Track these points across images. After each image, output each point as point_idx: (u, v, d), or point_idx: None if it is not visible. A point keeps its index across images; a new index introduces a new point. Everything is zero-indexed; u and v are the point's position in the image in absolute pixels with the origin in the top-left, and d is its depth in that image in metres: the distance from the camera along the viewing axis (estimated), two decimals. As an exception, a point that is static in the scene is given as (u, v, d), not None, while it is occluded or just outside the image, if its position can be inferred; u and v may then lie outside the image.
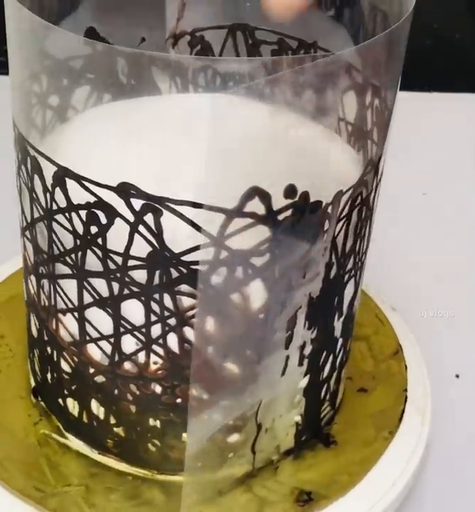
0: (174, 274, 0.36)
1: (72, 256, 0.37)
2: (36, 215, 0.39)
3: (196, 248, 0.35)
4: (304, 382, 0.41)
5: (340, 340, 0.42)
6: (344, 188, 0.37)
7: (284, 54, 0.48)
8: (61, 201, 0.37)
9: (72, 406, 0.42)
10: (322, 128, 0.39)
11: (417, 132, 0.54)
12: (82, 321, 0.39)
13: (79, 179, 0.35)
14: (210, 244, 0.35)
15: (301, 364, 0.40)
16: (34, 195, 0.38)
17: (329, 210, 0.36)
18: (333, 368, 0.43)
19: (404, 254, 0.59)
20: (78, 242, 0.37)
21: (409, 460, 0.44)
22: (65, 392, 0.42)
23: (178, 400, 0.40)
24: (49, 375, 0.43)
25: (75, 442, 0.43)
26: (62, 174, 0.36)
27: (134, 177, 0.35)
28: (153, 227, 0.35)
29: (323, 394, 0.43)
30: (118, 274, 0.37)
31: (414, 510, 0.44)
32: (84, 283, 0.38)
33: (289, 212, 0.35)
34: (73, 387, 0.42)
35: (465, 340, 0.53)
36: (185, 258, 0.36)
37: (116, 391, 0.40)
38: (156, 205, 0.34)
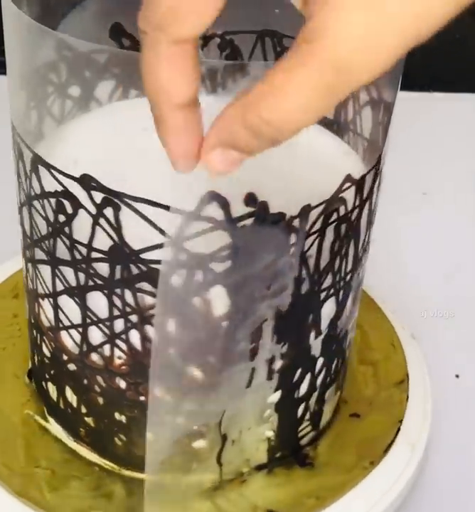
0: (135, 270, 0.36)
1: (46, 242, 0.38)
2: (22, 200, 0.40)
3: (155, 247, 0.35)
4: (275, 397, 0.40)
5: (321, 360, 0.41)
6: (313, 203, 0.36)
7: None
8: (37, 188, 0.37)
9: (52, 390, 0.43)
10: (310, 140, 0.38)
11: (417, 132, 0.53)
12: (55, 307, 0.40)
13: (48, 167, 0.36)
14: (169, 244, 0.35)
15: (270, 378, 0.39)
16: (19, 181, 0.39)
17: (296, 223, 0.35)
18: (313, 387, 0.42)
19: (404, 254, 0.58)
20: (50, 229, 0.37)
21: (385, 495, 0.42)
22: (46, 375, 0.43)
23: (142, 398, 0.40)
24: (36, 358, 0.44)
25: (54, 427, 0.44)
26: (35, 160, 0.36)
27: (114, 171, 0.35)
28: (113, 222, 0.35)
29: (300, 413, 0.42)
30: (83, 265, 0.37)
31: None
32: (56, 270, 0.38)
33: (249, 221, 0.34)
34: (52, 372, 0.42)
35: (465, 340, 0.53)
36: (145, 256, 0.35)
37: (85, 381, 0.40)
38: (115, 200, 0.34)
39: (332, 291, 0.39)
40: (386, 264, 0.50)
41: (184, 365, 0.38)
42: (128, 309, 0.37)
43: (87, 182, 0.35)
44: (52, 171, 0.36)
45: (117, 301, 0.37)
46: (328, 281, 0.39)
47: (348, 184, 0.37)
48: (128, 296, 0.37)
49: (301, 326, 0.39)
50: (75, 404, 0.42)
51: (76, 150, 0.41)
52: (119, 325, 0.38)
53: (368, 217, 0.40)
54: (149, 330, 0.37)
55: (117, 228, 0.35)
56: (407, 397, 0.47)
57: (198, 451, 0.41)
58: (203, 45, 0.49)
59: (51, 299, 0.40)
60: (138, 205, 0.34)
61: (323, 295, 0.39)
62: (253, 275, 0.36)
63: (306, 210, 0.35)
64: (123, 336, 0.38)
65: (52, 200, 0.37)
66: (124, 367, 0.39)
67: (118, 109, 0.47)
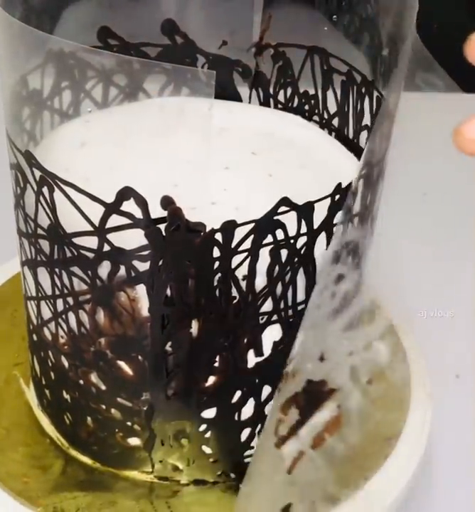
0: (68, 253, 0.37)
1: (15, 213, 0.40)
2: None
3: (84, 233, 0.36)
4: (209, 413, 0.39)
5: (267, 388, 0.39)
6: (239, 220, 0.34)
7: (350, 87, 0.45)
8: (12, 159, 0.39)
9: (31, 356, 0.45)
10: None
11: (417, 132, 0.50)
12: (23, 276, 0.41)
13: (10, 141, 0.38)
14: (93, 233, 0.35)
15: (201, 391, 0.39)
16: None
17: (218, 237, 0.34)
18: (259, 414, 0.40)
19: (404, 253, 0.54)
20: (14, 200, 0.39)
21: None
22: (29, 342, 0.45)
23: (81, 381, 0.40)
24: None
25: (31, 392, 0.46)
26: (7, 134, 0.38)
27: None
28: (49, 201, 0.36)
29: (245, 437, 0.41)
30: (33, 239, 0.38)
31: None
32: (20, 241, 0.40)
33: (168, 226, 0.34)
34: (28, 339, 0.44)
35: (465, 340, 0.52)
36: (77, 241, 0.36)
37: (42, 353, 0.42)
38: (49, 180, 0.35)
39: (275, 317, 0.37)
40: (386, 264, 0.48)
41: (115, 357, 0.38)
42: (65, 291, 0.38)
43: (28, 158, 0.36)
44: (11, 144, 0.37)
45: (57, 281, 0.38)
46: (267, 306, 0.37)
47: (284, 208, 0.35)
48: (65, 277, 0.38)
49: (233, 344, 0.38)
50: (38, 373, 0.43)
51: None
52: (60, 305, 0.39)
53: (335, 251, 0.38)
54: (83, 315, 0.38)
55: (52, 209, 0.36)
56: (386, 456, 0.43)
57: (133, 448, 0.41)
58: (257, 53, 0.49)
59: (21, 268, 0.41)
60: (68, 190, 0.35)
61: (262, 319, 0.37)
62: (172, 280, 0.35)
63: (230, 226, 0.34)
64: (63, 317, 0.39)
65: (13, 172, 0.38)
66: (65, 347, 0.40)
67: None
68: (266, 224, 0.35)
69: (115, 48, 0.47)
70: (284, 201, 0.35)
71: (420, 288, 0.54)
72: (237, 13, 0.48)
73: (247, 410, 0.40)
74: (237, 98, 0.50)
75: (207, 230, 0.34)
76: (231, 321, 0.37)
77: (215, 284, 0.36)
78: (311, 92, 0.47)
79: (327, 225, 0.36)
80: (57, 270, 0.38)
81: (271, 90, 0.49)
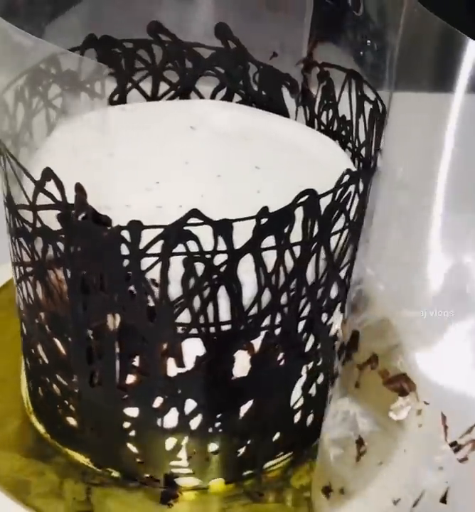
0: (18, 224, 0.38)
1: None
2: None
3: (23, 207, 0.37)
4: (132, 411, 0.39)
5: (191, 402, 0.39)
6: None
7: (374, 117, 0.43)
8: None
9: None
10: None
11: (418, 132, 0.44)
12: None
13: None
14: (28, 207, 0.37)
15: (119, 386, 0.39)
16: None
17: (125, 234, 0.34)
18: (184, 426, 0.39)
19: (403, 253, 0.49)
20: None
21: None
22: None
23: (32, 351, 0.42)
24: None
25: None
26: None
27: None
28: (3, 171, 0.38)
29: (170, 447, 0.40)
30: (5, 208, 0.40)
31: None
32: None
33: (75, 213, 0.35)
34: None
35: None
36: (21, 213, 0.38)
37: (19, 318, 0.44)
38: (2, 150, 0.37)
39: (195, 330, 0.37)
40: (385, 264, 0.44)
41: (52, 334, 0.39)
42: (17, 260, 0.40)
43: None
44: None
45: (13, 249, 0.40)
46: (184, 318, 0.36)
47: (195, 220, 0.34)
48: (17, 246, 0.39)
49: (150, 347, 0.37)
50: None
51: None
52: (17, 272, 0.40)
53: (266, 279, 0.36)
54: (28, 286, 0.39)
55: (5, 178, 0.38)
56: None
57: (72, 428, 0.42)
58: (305, 69, 0.47)
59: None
60: (13, 163, 0.37)
61: (181, 329, 0.37)
62: (86, 270, 0.36)
63: (136, 225, 0.34)
64: (21, 284, 0.41)
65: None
66: (24, 314, 0.42)
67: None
68: (175, 233, 0.34)
69: (167, 44, 0.48)
70: (195, 213, 0.34)
71: (420, 288, 0.50)
72: (288, 26, 0.47)
73: (170, 420, 0.39)
74: (284, 112, 0.49)
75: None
76: (146, 324, 0.36)
77: (129, 282, 0.35)
78: (348, 117, 0.45)
79: (253, 247, 0.35)
80: (13, 238, 0.39)
81: (316, 110, 0.48)
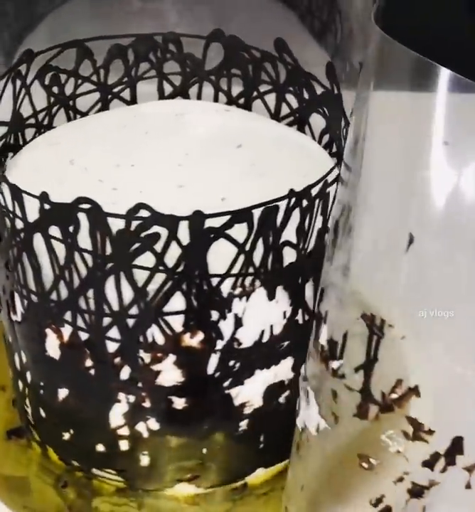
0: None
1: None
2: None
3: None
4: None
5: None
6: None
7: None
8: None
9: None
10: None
11: (418, 132, 0.43)
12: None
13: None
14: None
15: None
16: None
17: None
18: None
19: (403, 253, 0.49)
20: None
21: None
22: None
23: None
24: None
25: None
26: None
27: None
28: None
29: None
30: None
31: None
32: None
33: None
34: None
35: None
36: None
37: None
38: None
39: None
40: (385, 264, 0.45)
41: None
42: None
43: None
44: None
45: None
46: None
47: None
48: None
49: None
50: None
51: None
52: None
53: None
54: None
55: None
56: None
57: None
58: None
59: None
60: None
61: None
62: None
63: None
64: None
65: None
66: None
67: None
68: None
69: (290, 66, 0.48)
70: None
71: (420, 288, 0.49)
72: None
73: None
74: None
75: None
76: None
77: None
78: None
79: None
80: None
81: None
